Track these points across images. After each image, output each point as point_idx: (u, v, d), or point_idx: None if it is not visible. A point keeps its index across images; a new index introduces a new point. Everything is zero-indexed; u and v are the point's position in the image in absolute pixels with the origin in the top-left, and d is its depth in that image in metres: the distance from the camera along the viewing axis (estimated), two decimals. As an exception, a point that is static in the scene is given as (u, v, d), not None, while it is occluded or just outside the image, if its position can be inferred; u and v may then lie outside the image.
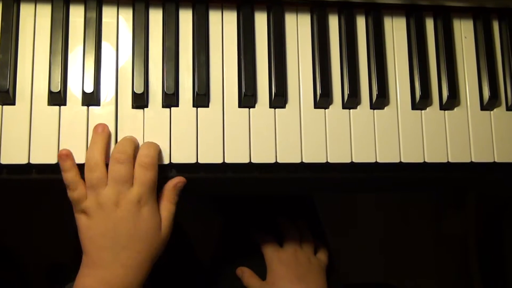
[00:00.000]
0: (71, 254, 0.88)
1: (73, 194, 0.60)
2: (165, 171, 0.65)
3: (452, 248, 1.64)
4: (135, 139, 0.63)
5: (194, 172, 0.66)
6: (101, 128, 0.62)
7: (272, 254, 0.83)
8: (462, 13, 0.73)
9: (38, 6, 0.65)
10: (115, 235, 0.59)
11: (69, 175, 0.60)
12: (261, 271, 0.84)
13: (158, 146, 0.63)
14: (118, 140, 0.63)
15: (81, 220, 0.60)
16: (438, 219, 1.65)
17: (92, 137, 0.62)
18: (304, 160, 0.66)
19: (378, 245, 1.61)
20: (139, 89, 0.64)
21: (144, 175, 0.60)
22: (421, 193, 1.52)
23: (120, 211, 0.59)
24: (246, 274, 0.83)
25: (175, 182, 0.64)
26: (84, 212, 0.60)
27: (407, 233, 1.63)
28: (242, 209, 0.97)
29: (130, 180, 0.60)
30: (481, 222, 1.57)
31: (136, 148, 0.62)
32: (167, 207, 0.63)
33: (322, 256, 0.86)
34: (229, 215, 1.02)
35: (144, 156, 0.61)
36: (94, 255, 0.59)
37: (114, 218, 0.59)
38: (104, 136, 0.61)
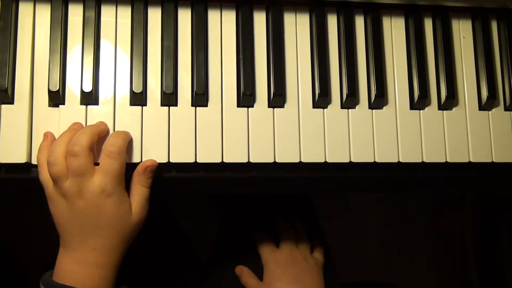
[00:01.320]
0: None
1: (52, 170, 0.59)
2: (164, 170, 0.65)
3: (450, 248, 1.65)
4: (96, 130, 0.61)
5: (193, 172, 0.66)
6: (75, 125, 0.62)
7: (269, 255, 0.83)
8: (461, 13, 0.73)
9: (37, 5, 0.65)
10: (80, 223, 0.59)
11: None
12: (259, 270, 0.84)
13: (128, 134, 0.62)
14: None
15: (50, 205, 0.61)
16: (436, 219, 1.65)
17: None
18: (303, 160, 0.66)
19: (376, 244, 1.62)
20: (137, 88, 0.64)
21: (109, 164, 0.59)
22: (419, 192, 1.53)
23: (82, 202, 0.59)
24: (244, 273, 0.83)
25: (146, 165, 0.62)
26: (51, 198, 0.61)
27: (405, 232, 1.63)
28: (240, 209, 0.97)
29: (87, 171, 0.58)
30: (479, 222, 1.58)
31: (100, 137, 0.62)
32: (138, 191, 0.62)
33: (318, 254, 0.86)
34: (227, 214, 1.02)
35: (109, 145, 0.60)
36: (65, 238, 0.60)
37: (78, 208, 0.59)
38: (68, 133, 0.61)
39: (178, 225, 1.01)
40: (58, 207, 0.60)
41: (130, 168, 0.62)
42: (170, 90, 0.64)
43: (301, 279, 0.79)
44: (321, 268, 0.84)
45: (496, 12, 0.74)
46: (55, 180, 0.59)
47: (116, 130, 0.64)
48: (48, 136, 0.62)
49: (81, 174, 0.58)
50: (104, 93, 0.64)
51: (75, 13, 0.66)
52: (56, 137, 0.62)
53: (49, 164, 0.59)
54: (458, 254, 1.63)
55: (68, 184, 0.58)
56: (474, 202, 1.57)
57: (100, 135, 0.62)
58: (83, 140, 0.59)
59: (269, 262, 0.82)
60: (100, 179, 0.59)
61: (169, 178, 0.66)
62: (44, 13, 0.65)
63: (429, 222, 1.65)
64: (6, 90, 0.61)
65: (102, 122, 0.63)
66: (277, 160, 0.66)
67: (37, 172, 0.62)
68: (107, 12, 0.66)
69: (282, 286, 0.78)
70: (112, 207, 0.59)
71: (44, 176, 0.60)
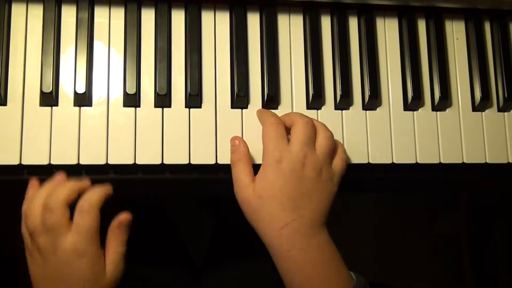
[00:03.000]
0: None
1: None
2: (158, 172, 0.65)
3: (445, 249, 1.65)
4: (77, 186, 0.59)
5: (187, 173, 0.66)
6: (58, 178, 0.60)
7: (272, 151, 0.60)
8: (454, 14, 0.74)
9: (29, 6, 0.65)
10: (53, 281, 0.57)
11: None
12: (255, 276, 0.82)
13: (106, 191, 0.59)
14: (109, 139, 0.63)
15: (28, 259, 0.59)
16: (431, 220, 1.65)
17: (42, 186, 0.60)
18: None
19: (371, 245, 1.61)
20: (131, 90, 0.64)
21: (80, 220, 0.56)
22: (413, 194, 1.53)
23: (55, 260, 0.56)
24: (243, 160, 0.63)
25: (118, 221, 0.59)
26: (28, 252, 0.59)
27: (400, 234, 1.63)
28: (235, 210, 0.97)
29: (62, 228, 0.56)
30: (473, 223, 1.58)
31: (80, 191, 0.59)
32: (114, 248, 0.59)
33: (339, 163, 0.64)
34: (222, 215, 1.02)
35: (82, 200, 0.57)
36: None
37: (51, 266, 0.56)
38: (50, 186, 0.59)
39: (172, 226, 1.01)
40: (34, 262, 0.58)
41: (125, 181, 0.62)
42: (163, 91, 0.64)
43: (301, 204, 0.59)
44: (336, 186, 0.63)
45: (490, 13, 0.74)
46: (31, 234, 0.57)
47: (108, 131, 0.63)
48: (33, 185, 0.60)
49: (55, 231, 0.56)
50: (98, 94, 0.64)
51: (68, 14, 0.65)
52: (53, 141, 0.61)
53: (25, 216, 0.57)
54: (453, 255, 1.63)
55: (42, 239, 0.56)
56: (468, 203, 1.57)
57: (81, 191, 0.59)
58: (61, 195, 0.57)
59: (270, 162, 0.60)
60: (73, 237, 0.56)
61: (163, 180, 0.65)
62: (36, 14, 0.65)
63: (424, 223, 1.65)
64: (-2, 92, 0.61)
65: (87, 180, 0.60)
66: (271, 161, 0.65)
67: (28, 174, 0.61)
68: (100, 13, 0.66)
69: (272, 208, 0.59)
70: (84, 267, 0.56)
71: (23, 228, 0.58)
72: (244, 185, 0.60)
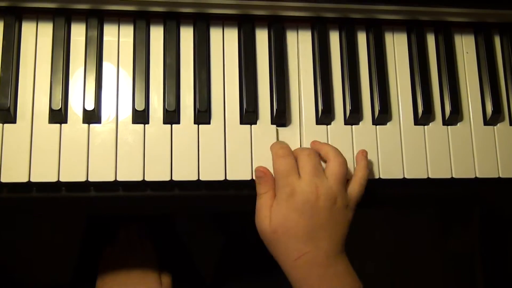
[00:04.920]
0: (70, 275, 0.87)
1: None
2: (167, 189, 0.65)
3: (458, 266, 1.62)
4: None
5: (196, 190, 0.65)
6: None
7: (284, 185, 0.60)
8: (463, 28, 0.73)
9: (39, 24, 0.65)
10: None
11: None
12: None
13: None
14: (118, 156, 0.63)
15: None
16: (444, 237, 1.63)
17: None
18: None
19: (382, 263, 1.59)
20: (140, 106, 0.63)
21: None
22: (426, 210, 1.51)
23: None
24: (268, 194, 0.62)
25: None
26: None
27: (412, 251, 1.61)
28: (245, 225, 0.96)
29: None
30: (487, 239, 1.56)
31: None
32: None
33: (355, 188, 0.63)
34: (232, 230, 1.01)
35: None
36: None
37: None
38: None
39: (181, 242, 1.01)
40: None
41: (134, 198, 0.62)
42: (172, 108, 0.64)
43: (317, 236, 0.59)
44: (352, 211, 0.63)
45: (499, 27, 0.74)
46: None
47: (117, 148, 0.63)
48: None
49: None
50: (107, 111, 0.64)
51: (78, 33, 0.66)
52: (62, 159, 0.61)
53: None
54: (466, 273, 1.61)
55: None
56: (481, 220, 1.55)
57: None
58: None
59: (282, 197, 0.60)
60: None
61: (172, 196, 0.65)
62: (46, 32, 0.65)
63: (436, 241, 1.63)
64: (8, 109, 0.61)
65: None
66: (280, 177, 0.65)
67: (37, 192, 0.61)
68: (109, 31, 0.67)
69: (288, 242, 0.59)
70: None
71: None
72: (263, 218, 0.61)
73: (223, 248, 1.00)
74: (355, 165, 0.66)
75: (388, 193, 0.68)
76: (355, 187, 0.63)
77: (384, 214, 1.57)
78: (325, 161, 0.63)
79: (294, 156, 0.63)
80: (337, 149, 0.64)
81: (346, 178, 0.63)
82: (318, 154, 0.64)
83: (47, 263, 1.25)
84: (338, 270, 0.60)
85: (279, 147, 0.63)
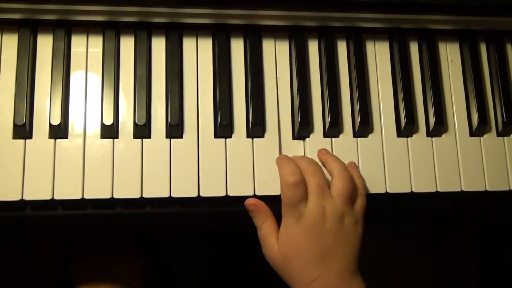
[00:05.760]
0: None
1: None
2: (138, 206, 0.62)
3: (452, 275, 1.59)
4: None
5: (168, 207, 0.63)
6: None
7: (290, 211, 0.58)
8: (448, 36, 0.71)
9: (4, 35, 0.63)
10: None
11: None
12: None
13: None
14: (86, 173, 0.60)
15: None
16: (437, 246, 1.60)
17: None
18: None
19: (376, 274, 1.56)
20: (108, 120, 0.61)
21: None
22: (408, 224, 1.48)
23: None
24: (268, 222, 0.60)
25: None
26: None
27: (406, 262, 1.58)
28: (229, 240, 0.94)
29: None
30: (481, 249, 1.53)
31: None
32: None
33: (360, 201, 0.61)
34: (217, 245, 0.99)
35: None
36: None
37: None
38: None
39: (163, 259, 0.98)
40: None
41: (102, 216, 0.59)
42: (142, 122, 0.61)
43: (328, 257, 0.57)
44: (361, 225, 0.61)
45: (485, 34, 0.71)
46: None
47: (84, 164, 0.60)
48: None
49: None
50: (74, 126, 0.61)
51: (44, 44, 0.63)
52: (26, 176, 0.59)
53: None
54: (460, 282, 1.58)
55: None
56: (475, 229, 1.52)
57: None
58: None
59: (290, 222, 0.58)
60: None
61: (142, 214, 0.62)
62: (11, 44, 0.62)
63: (430, 250, 1.60)
64: (-31, 125, 0.58)
65: None
66: (257, 194, 0.62)
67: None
68: (77, 42, 0.64)
69: (299, 265, 0.57)
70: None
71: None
72: (269, 246, 0.60)
73: (208, 262, 0.97)
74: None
75: (372, 208, 0.65)
76: (360, 200, 0.61)
77: (374, 228, 1.54)
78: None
79: (299, 164, 0.61)
80: (342, 163, 0.62)
81: (350, 193, 0.60)
82: (322, 168, 0.61)
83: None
84: None
85: (290, 173, 0.59)
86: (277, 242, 0.59)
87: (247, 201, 0.61)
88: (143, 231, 0.83)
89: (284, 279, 0.59)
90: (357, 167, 0.64)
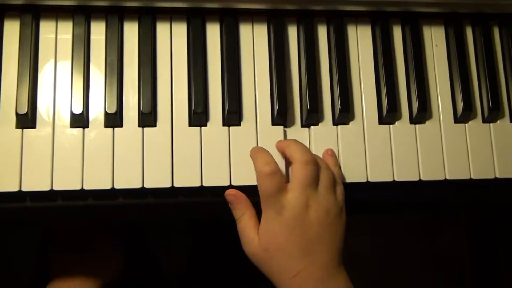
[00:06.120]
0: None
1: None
2: (110, 197, 0.60)
3: (447, 266, 1.58)
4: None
5: (142, 198, 0.61)
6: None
7: (270, 204, 0.56)
8: (432, 19, 0.68)
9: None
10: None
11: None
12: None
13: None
14: (55, 163, 0.58)
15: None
16: (432, 237, 1.59)
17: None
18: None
19: (370, 263, 1.55)
20: (77, 109, 0.59)
21: None
22: (391, 214, 1.46)
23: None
24: (247, 216, 0.58)
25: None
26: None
27: (400, 251, 1.57)
28: (213, 228, 0.92)
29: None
30: (475, 239, 1.51)
31: None
32: None
33: (340, 189, 0.59)
34: (200, 234, 0.97)
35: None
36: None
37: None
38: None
39: (146, 248, 0.96)
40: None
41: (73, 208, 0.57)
42: (113, 110, 0.59)
43: (312, 250, 0.55)
44: (344, 214, 0.58)
45: (471, 17, 0.69)
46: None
47: (53, 154, 0.58)
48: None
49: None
50: (42, 115, 0.59)
51: (11, 30, 0.61)
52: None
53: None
54: (455, 273, 1.57)
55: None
56: (469, 222, 1.51)
57: None
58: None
59: (270, 215, 0.56)
60: None
61: (114, 205, 0.60)
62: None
63: (424, 241, 1.59)
64: None
65: None
66: (233, 183, 0.60)
67: None
68: (46, 29, 0.62)
69: (282, 259, 0.55)
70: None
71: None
72: (249, 240, 0.57)
73: (191, 251, 0.95)
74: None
75: (351, 197, 0.63)
76: (338, 189, 0.59)
77: (370, 218, 1.52)
78: None
79: (285, 150, 0.59)
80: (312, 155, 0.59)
81: (334, 183, 0.59)
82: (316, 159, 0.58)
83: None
84: (338, 282, 0.56)
85: (264, 163, 0.57)
86: (257, 235, 0.57)
87: (227, 192, 0.59)
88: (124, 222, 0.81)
89: (265, 274, 0.57)
90: (334, 155, 0.62)
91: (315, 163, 0.57)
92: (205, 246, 0.95)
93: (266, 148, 0.60)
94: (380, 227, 1.54)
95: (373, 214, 1.02)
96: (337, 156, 0.62)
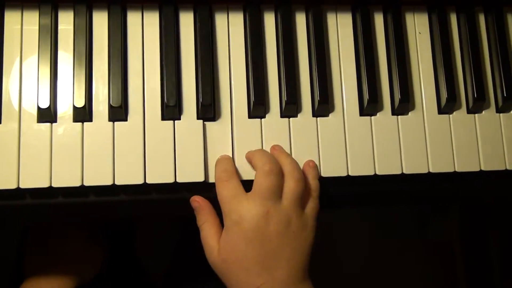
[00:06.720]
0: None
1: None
2: (80, 194, 0.57)
3: (438, 254, 1.57)
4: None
5: (114, 195, 0.58)
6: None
7: (229, 212, 0.54)
8: (415, 5, 0.66)
9: None
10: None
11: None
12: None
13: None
14: (21, 160, 0.55)
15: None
16: (423, 225, 1.58)
17: None
18: (243, 178, 0.59)
19: (362, 254, 1.54)
20: (44, 103, 0.56)
21: None
22: (371, 209, 1.45)
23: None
24: (208, 224, 0.56)
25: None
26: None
27: (391, 240, 1.56)
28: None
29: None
30: (466, 227, 1.51)
31: None
32: None
33: (312, 203, 0.57)
34: (183, 232, 0.95)
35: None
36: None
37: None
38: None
39: (132, 247, 0.94)
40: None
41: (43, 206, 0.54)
42: (81, 104, 0.56)
43: (271, 265, 0.52)
44: (312, 231, 0.56)
45: (456, 4, 0.66)
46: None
47: (19, 150, 0.56)
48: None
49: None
50: (8, 110, 0.57)
51: (-26, 20, 0.58)
52: None
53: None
54: (446, 261, 1.56)
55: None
56: (460, 208, 1.50)
57: None
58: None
59: (229, 225, 0.54)
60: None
61: (85, 203, 0.58)
62: None
63: (415, 230, 1.58)
64: None
65: None
66: (209, 180, 0.58)
67: None
68: (11, 19, 0.59)
69: (239, 272, 0.53)
70: None
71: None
72: (210, 249, 0.55)
73: (174, 250, 0.94)
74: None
75: (331, 193, 0.61)
76: (311, 204, 0.57)
77: (361, 208, 1.51)
78: None
79: (250, 159, 0.57)
80: (295, 162, 0.57)
81: (301, 195, 0.56)
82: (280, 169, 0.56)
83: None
84: None
85: (222, 169, 0.56)
86: (217, 245, 0.55)
87: (192, 198, 0.58)
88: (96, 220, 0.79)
89: (225, 285, 0.55)
90: (316, 167, 0.59)
91: (278, 173, 0.55)
92: (191, 241, 0.93)
93: (241, 141, 0.58)
94: (370, 216, 1.53)
95: (355, 207, 1.00)
96: (317, 150, 0.60)
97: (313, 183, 0.57)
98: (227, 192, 0.54)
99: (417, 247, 1.57)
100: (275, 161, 0.56)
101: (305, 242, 0.55)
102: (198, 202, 0.57)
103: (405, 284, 1.54)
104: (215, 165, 0.58)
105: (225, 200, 0.54)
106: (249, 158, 0.58)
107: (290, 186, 0.55)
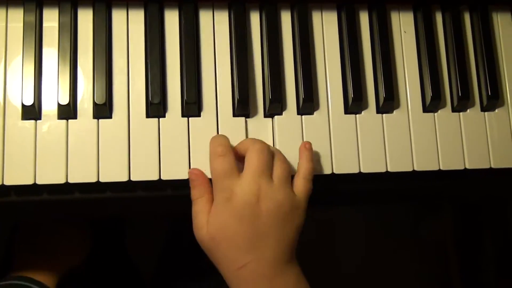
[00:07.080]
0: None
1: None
2: (65, 192, 0.58)
3: (431, 253, 1.58)
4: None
5: (99, 192, 0.58)
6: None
7: (220, 189, 0.54)
8: (401, 4, 0.66)
9: None
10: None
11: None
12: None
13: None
14: (5, 157, 0.56)
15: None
16: (417, 226, 1.58)
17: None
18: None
19: (356, 253, 1.54)
20: (28, 100, 0.56)
21: None
22: (356, 207, 1.45)
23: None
24: (204, 199, 0.55)
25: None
26: None
27: (385, 238, 1.56)
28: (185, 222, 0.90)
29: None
30: (460, 228, 1.51)
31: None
32: None
33: (302, 184, 0.57)
34: (172, 228, 0.96)
35: None
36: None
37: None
38: None
39: (122, 244, 0.95)
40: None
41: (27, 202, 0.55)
42: (65, 101, 0.57)
43: (260, 244, 0.52)
44: (303, 212, 0.56)
45: (441, 2, 0.66)
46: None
47: (6, 147, 0.56)
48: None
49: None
50: (-8, 106, 0.57)
51: (-42, 18, 0.58)
52: None
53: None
54: (439, 259, 1.56)
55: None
56: (453, 206, 1.50)
57: None
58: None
59: (220, 201, 0.54)
60: None
61: (70, 200, 0.58)
62: None
63: (408, 228, 1.58)
64: None
65: None
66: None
67: None
68: (-5, 16, 0.59)
69: (228, 249, 0.53)
70: None
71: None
72: (200, 225, 0.54)
73: (163, 247, 0.94)
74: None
75: (317, 190, 0.61)
76: (301, 184, 0.56)
77: (354, 207, 1.51)
78: None
79: (240, 148, 0.57)
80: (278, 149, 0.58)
81: (290, 177, 0.56)
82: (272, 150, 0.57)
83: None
84: (287, 281, 0.53)
85: (218, 144, 0.56)
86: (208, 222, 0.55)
87: (192, 170, 0.57)
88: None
89: (213, 263, 0.55)
90: (311, 149, 0.59)
91: (269, 152, 0.55)
92: (180, 237, 0.93)
93: (234, 143, 0.58)
94: (364, 214, 1.53)
95: (341, 205, 1.00)
96: (301, 147, 0.60)
97: (307, 165, 0.57)
98: (222, 167, 0.54)
99: (411, 246, 1.57)
100: (261, 141, 0.56)
101: (295, 223, 0.55)
102: (196, 174, 0.56)
103: (400, 283, 1.54)
104: (210, 141, 0.57)
105: (219, 176, 0.54)
106: (238, 148, 0.57)
107: (279, 165, 0.55)
